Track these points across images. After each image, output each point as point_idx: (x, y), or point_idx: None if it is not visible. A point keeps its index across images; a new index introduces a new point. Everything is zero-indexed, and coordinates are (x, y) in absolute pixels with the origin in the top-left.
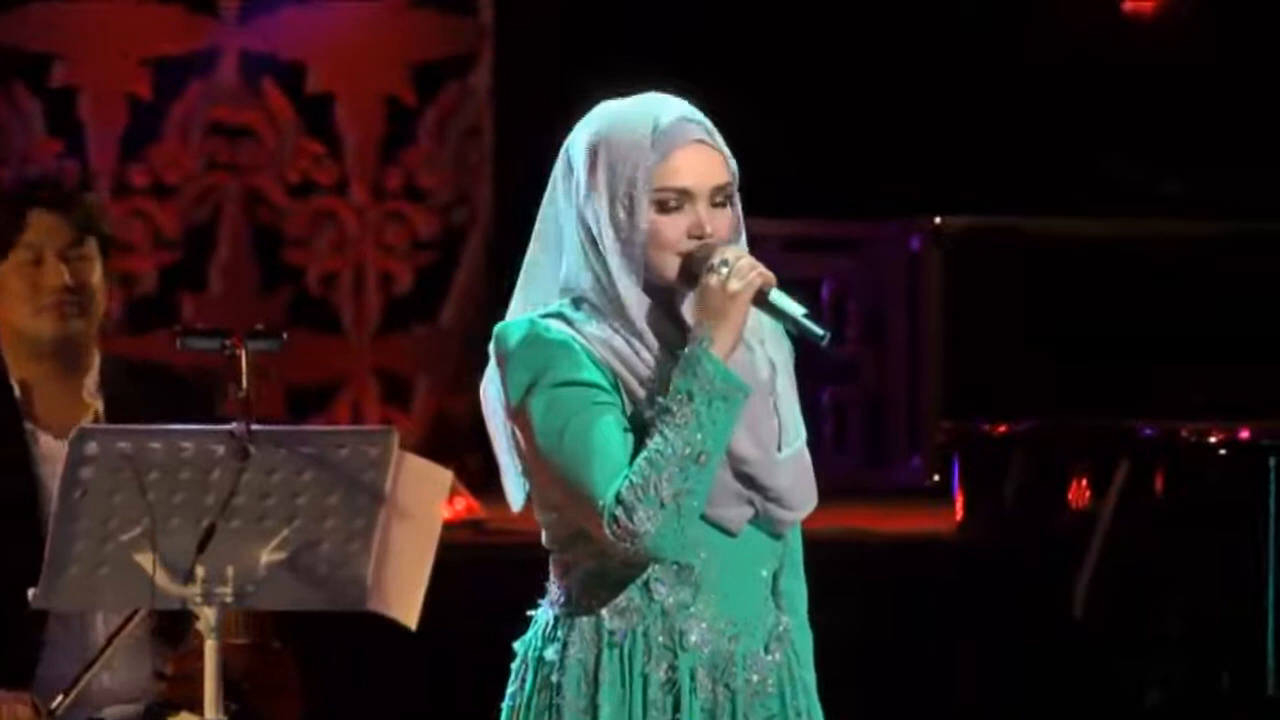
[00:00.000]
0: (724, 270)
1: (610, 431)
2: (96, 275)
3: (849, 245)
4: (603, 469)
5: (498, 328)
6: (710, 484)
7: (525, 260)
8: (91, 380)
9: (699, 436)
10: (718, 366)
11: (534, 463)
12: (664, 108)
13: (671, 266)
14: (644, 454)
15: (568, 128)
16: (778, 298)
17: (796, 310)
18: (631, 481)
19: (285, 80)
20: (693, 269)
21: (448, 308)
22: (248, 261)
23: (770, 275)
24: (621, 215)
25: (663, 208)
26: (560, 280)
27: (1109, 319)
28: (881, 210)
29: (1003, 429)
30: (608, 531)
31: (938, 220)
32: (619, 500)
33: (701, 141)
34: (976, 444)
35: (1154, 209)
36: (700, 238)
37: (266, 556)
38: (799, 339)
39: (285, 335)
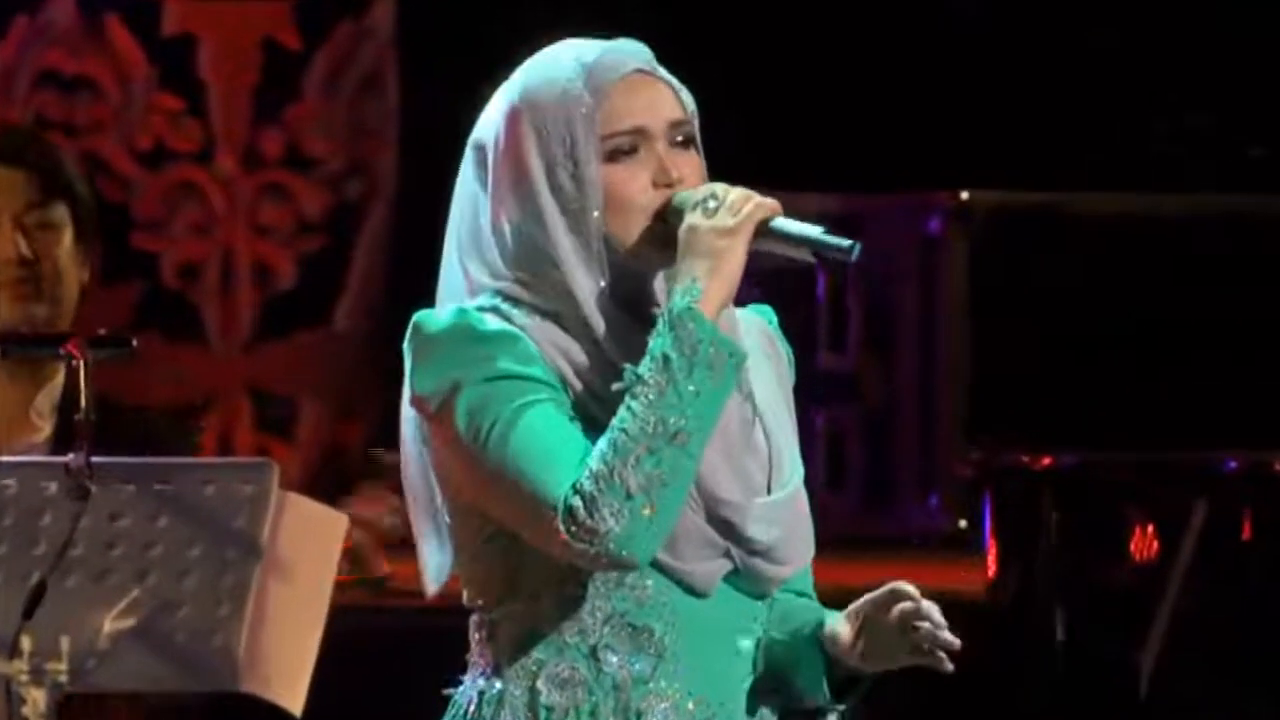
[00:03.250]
0: (711, 204)
1: (562, 420)
2: (65, 249)
3: (848, 226)
4: (557, 459)
5: (417, 316)
6: (693, 472)
7: (442, 265)
8: (48, 395)
9: (675, 411)
10: (703, 324)
11: (459, 474)
12: (587, 45)
13: (636, 228)
14: (607, 435)
15: (490, 79)
16: (784, 225)
17: (812, 231)
18: (591, 469)
19: (134, 19)
20: (669, 223)
21: (341, 308)
22: None
23: (773, 202)
24: (566, 182)
25: (614, 157)
26: (477, 282)
27: (1178, 320)
28: (890, 182)
29: (1046, 461)
30: (563, 531)
31: (963, 196)
32: (577, 491)
33: (642, 71)
34: (1012, 480)
35: (1232, 182)
36: (669, 185)
37: (111, 623)
38: (794, 340)
39: (134, 342)
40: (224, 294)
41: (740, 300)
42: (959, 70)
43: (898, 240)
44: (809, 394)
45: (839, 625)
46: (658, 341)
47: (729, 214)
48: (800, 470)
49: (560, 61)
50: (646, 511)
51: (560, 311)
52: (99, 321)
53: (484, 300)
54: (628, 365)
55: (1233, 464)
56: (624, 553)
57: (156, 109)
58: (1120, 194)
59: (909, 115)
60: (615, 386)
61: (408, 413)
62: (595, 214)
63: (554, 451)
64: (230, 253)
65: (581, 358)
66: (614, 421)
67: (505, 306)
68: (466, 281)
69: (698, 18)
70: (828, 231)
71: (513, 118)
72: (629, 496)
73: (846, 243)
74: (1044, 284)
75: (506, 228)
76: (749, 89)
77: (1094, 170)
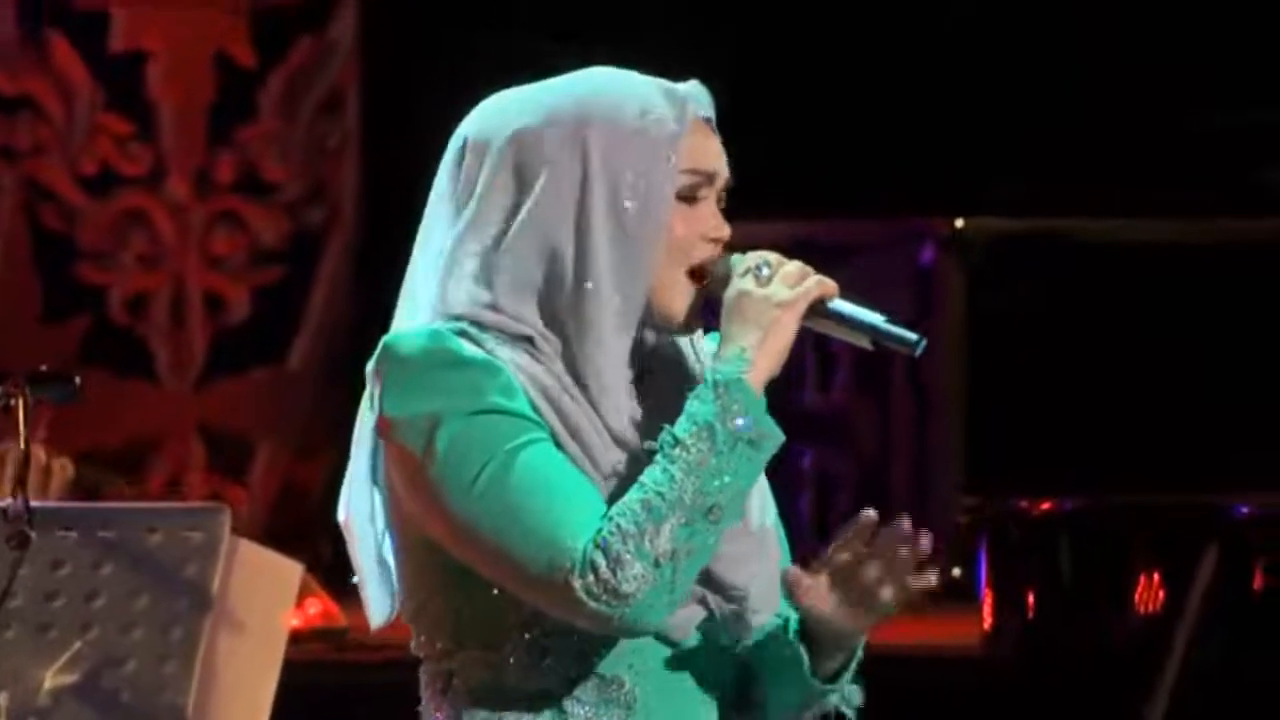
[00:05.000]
0: (764, 272)
1: (564, 464)
2: None
3: (835, 255)
4: (569, 507)
5: (388, 337)
6: (714, 550)
7: (406, 277)
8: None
9: (714, 484)
10: (751, 399)
11: (423, 509)
12: (648, 78)
13: (679, 278)
14: (639, 493)
15: (457, 98)
16: (843, 307)
17: (873, 318)
18: (619, 526)
19: (79, 34)
20: (704, 284)
21: (299, 343)
22: (28, 279)
23: (830, 282)
24: (629, 207)
25: (681, 197)
26: (449, 303)
27: (1189, 356)
28: (881, 209)
29: (1045, 506)
30: (578, 588)
31: (958, 223)
32: (601, 546)
33: (708, 119)
34: (1010, 527)
35: (1251, 205)
36: (715, 242)
37: (52, 679)
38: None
39: (79, 380)
40: (175, 328)
41: (709, 328)
42: (950, 85)
43: (888, 272)
44: (792, 433)
45: (811, 594)
46: (701, 408)
47: (784, 285)
48: (773, 511)
49: (635, 82)
50: (669, 582)
51: (533, 337)
52: (42, 358)
53: (449, 325)
54: (665, 425)
55: (1244, 508)
56: (639, 621)
57: (103, 131)
58: (1135, 220)
59: (897, 134)
60: (647, 445)
61: (363, 440)
62: (652, 244)
63: (564, 499)
64: (181, 284)
65: (565, 401)
66: (645, 480)
67: (473, 331)
68: (440, 301)
69: (678, 38)
70: (890, 320)
71: (573, 131)
72: (656, 564)
73: (912, 336)
74: (1046, 318)
75: (525, 247)
76: (726, 108)
77: (1106, 190)
